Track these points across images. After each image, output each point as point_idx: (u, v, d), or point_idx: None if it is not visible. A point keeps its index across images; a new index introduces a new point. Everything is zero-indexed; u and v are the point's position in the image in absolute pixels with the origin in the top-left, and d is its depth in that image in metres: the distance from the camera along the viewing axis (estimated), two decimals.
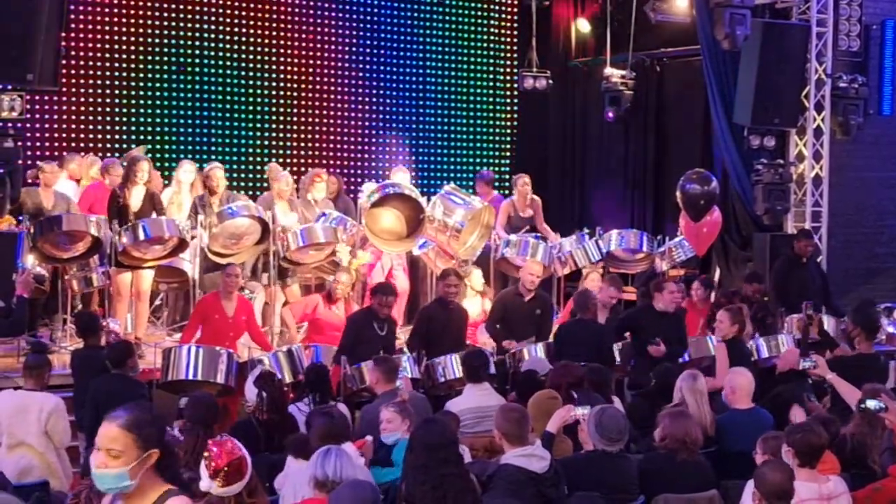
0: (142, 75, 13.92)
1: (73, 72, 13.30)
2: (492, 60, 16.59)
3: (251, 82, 14.69)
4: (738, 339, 8.63)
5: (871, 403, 6.23)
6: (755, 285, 10.90)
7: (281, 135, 14.93)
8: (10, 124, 9.72)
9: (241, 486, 4.55)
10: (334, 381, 8.38)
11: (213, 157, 13.86)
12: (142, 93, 13.93)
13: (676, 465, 5.97)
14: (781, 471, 4.83)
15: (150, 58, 13.95)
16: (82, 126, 13.51)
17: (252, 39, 14.66)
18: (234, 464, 4.55)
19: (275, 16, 14.83)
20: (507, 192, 15.32)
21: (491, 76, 16.61)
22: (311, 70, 15.10)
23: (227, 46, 14.48)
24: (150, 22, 13.93)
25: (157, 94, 14.04)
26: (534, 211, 12.52)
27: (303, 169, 14.34)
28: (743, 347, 8.76)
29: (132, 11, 13.81)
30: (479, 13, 16.47)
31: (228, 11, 14.48)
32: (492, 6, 16.56)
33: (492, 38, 16.59)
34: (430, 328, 9.46)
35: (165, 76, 14.08)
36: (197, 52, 14.28)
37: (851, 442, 6.18)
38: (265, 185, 13.43)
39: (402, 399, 6.74)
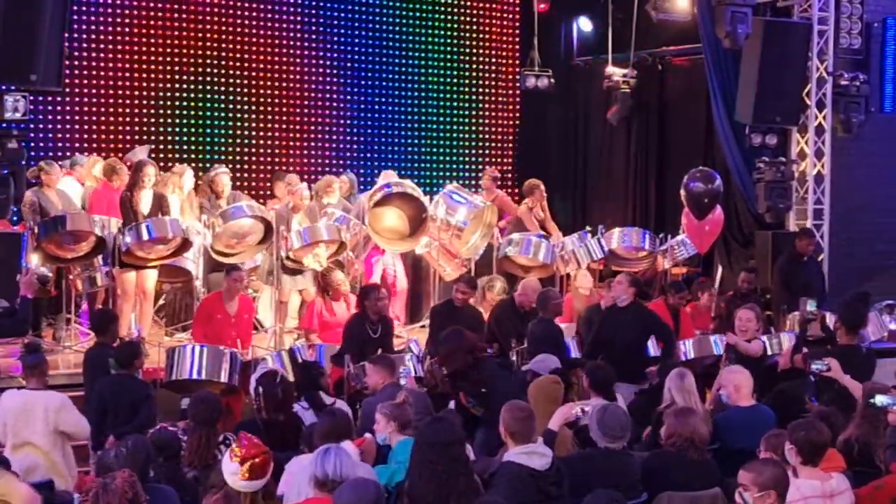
0: (145, 76, 13.95)
1: (76, 72, 13.34)
2: (494, 59, 16.62)
3: (254, 83, 14.72)
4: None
5: (881, 399, 6.21)
6: (744, 275, 11.16)
7: (283, 135, 14.96)
8: (13, 125, 9.74)
9: (260, 484, 4.62)
10: (332, 382, 8.41)
11: (216, 157, 13.90)
12: (145, 93, 13.97)
13: (681, 463, 5.97)
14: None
15: (153, 58, 13.99)
16: (86, 127, 13.55)
17: (255, 40, 14.69)
18: (263, 458, 4.61)
19: (277, 16, 14.86)
20: (509, 190, 15.38)
21: (493, 75, 16.63)
22: (313, 70, 15.14)
23: (230, 47, 14.52)
24: (153, 22, 13.98)
25: (161, 94, 14.06)
26: (544, 213, 12.63)
27: (305, 169, 14.38)
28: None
29: (135, 12, 13.85)
30: (482, 12, 16.49)
31: (231, 12, 14.51)
32: (494, 5, 16.59)
33: (494, 37, 16.61)
34: (437, 327, 9.49)
35: (169, 76, 14.11)
36: (200, 52, 14.30)
37: (857, 445, 6.18)
38: (269, 184, 13.47)
39: (402, 400, 6.67)
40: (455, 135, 16.31)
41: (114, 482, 4.14)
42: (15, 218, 10.14)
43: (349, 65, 15.39)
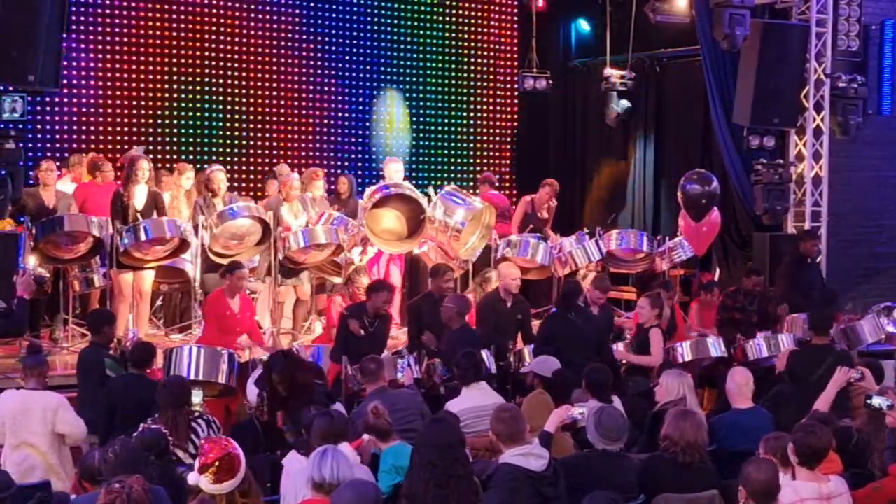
0: (143, 76, 13.94)
1: (74, 73, 13.32)
2: (492, 61, 16.61)
3: (251, 82, 14.70)
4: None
5: (877, 401, 6.21)
6: (754, 278, 10.98)
7: (281, 135, 14.95)
8: (11, 125, 9.73)
9: (232, 484, 4.51)
10: (331, 380, 8.41)
11: (214, 157, 13.92)
12: (143, 93, 13.94)
13: (679, 467, 5.92)
14: (766, 470, 4.86)
15: (150, 58, 13.97)
16: (84, 127, 13.52)
17: (252, 39, 14.68)
18: (226, 460, 4.51)
19: (275, 16, 14.85)
20: (508, 192, 15.40)
21: (491, 77, 16.62)
22: (310, 70, 15.13)
23: (227, 46, 14.50)
24: (150, 22, 13.96)
25: (158, 94, 14.05)
26: (549, 214, 12.63)
27: (303, 170, 14.38)
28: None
29: (133, 12, 13.84)
30: (480, 14, 16.49)
31: (228, 11, 14.50)
32: (492, 7, 16.59)
33: (492, 38, 16.61)
34: (421, 324, 9.47)
35: (166, 76, 14.09)
36: (197, 52, 14.29)
37: (858, 436, 6.18)
38: (266, 184, 13.46)
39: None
40: (453, 136, 16.31)
41: (133, 491, 4.10)
42: (21, 218, 10.12)
43: (346, 64, 15.38)
